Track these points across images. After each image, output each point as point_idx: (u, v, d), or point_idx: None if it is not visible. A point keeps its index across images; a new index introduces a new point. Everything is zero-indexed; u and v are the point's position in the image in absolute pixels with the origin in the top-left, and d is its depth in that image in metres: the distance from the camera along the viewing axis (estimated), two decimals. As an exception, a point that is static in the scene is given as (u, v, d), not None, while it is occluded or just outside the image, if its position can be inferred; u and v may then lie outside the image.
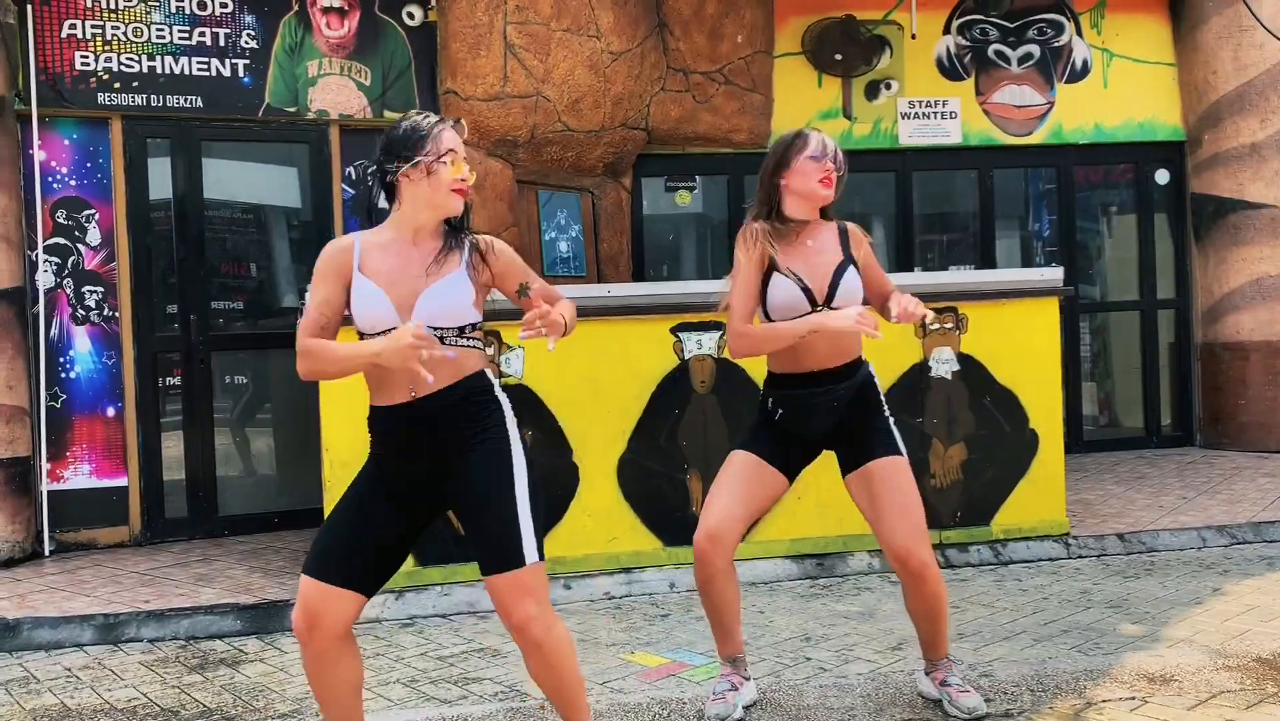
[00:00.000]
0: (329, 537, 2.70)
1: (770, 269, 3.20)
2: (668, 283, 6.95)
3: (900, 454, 3.22)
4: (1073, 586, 4.78)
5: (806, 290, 3.16)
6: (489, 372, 2.76)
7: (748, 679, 3.39)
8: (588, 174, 7.29)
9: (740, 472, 3.23)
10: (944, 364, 5.32)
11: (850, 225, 3.36)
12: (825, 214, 3.33)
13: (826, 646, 4.04)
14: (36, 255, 6.03)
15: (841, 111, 8.01)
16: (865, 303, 3.25)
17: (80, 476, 6.14)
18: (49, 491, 6.04)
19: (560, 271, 7.15)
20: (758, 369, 3.78)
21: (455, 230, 2.79)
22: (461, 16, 6.52)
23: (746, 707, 3.33)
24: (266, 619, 4.64)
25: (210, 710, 3.64)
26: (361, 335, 2.69)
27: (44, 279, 6.05)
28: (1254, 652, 3.73)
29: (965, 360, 5.32)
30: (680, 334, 5.05)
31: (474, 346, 2.72)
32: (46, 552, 5.98)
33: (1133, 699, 3.34)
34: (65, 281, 6.12)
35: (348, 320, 2.74)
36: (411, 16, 6.71)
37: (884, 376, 5.17)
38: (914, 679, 3.53)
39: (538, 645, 2.61)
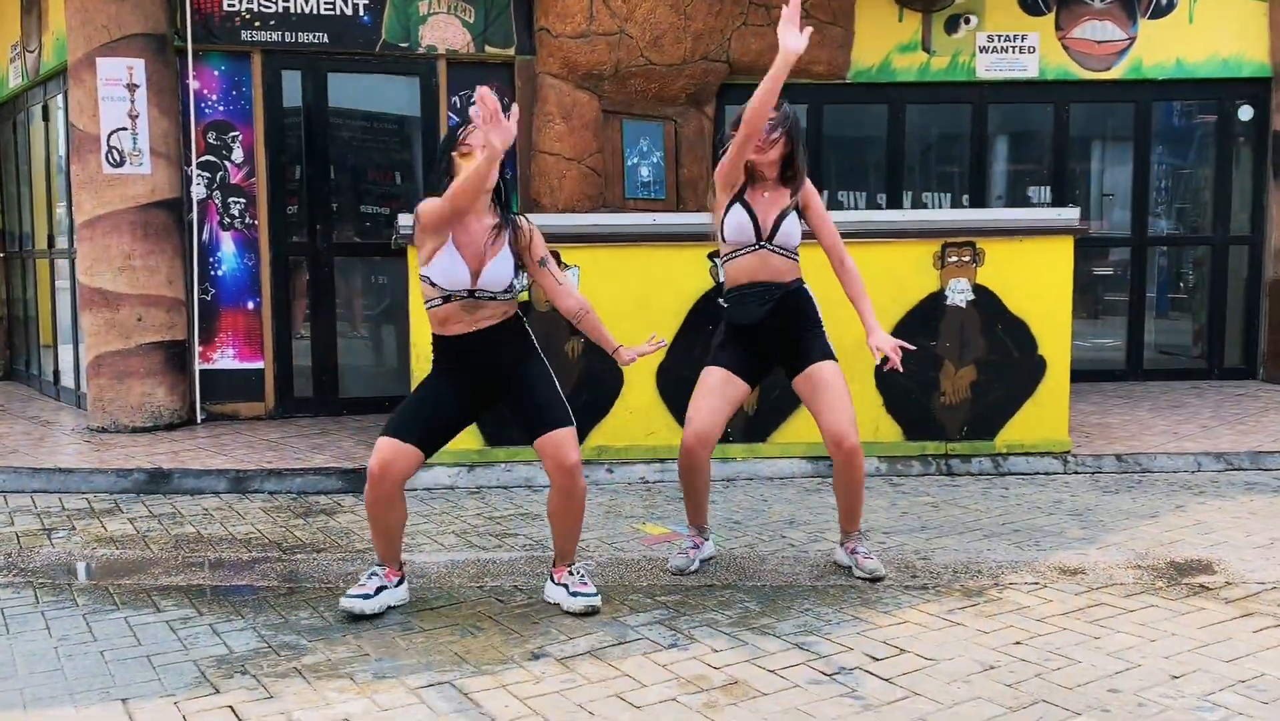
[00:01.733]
0: (405, 412, 3.67)
1: (734, 199, 3.94)
2: (705, 214, 7.60)
3: (834, 359, 3.98)
4: (1051, 497, 5.37)
5: (755, 222, 3.90)
6: (521, 314, 3.76)
7: (707, 539, 4.23)
8: (670, 103, 7.94)
9: (715, 385, 4.00)
10: (960, 293, 5.87)
11: (806, 182, 4.02)
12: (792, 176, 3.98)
13: (803, 529, 4.80)
14: (191, 170, 7.13)
15: (920, 44, 8.37)
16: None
17: (226, 359, 7.33)
18: (201, 370, 7.24)
19: (640, 195, 7.88)
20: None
21: (504, 210, 3.68)
22: (553, -40, 7.21)
23: (704, 560, 4.18)
24: (361, 480, 5.68)
25: (305, 544, 4.67)
26: (433, 285, 3.59)
27: (197, 191, 7.16)
28: (1170, 557, 4.31)
29: (980, 290, 5.86)
30: (716, 259, 5.75)
31: (512, 299, 3.68)
32: (199, 421, 7.22)
33: (1036, 584, 4.00)
34: (214, 193, 7.22)
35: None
36: (511, -41, 7.43)
37: (901, 302, 5.85)
38: (831, 554, 4.28)
39: (577, 483, 3.62)
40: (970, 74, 8.39)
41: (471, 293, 3.58)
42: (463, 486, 5.67)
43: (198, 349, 7.23)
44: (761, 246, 3.93)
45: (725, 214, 3.95)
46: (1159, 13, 8.35)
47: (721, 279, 4.17)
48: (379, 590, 3.71)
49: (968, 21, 8.31)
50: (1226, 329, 8.72)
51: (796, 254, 4.01)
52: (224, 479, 5.70)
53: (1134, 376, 8.64)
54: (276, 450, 6.27)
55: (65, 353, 8.32)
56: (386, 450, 3.58)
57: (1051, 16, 8.33)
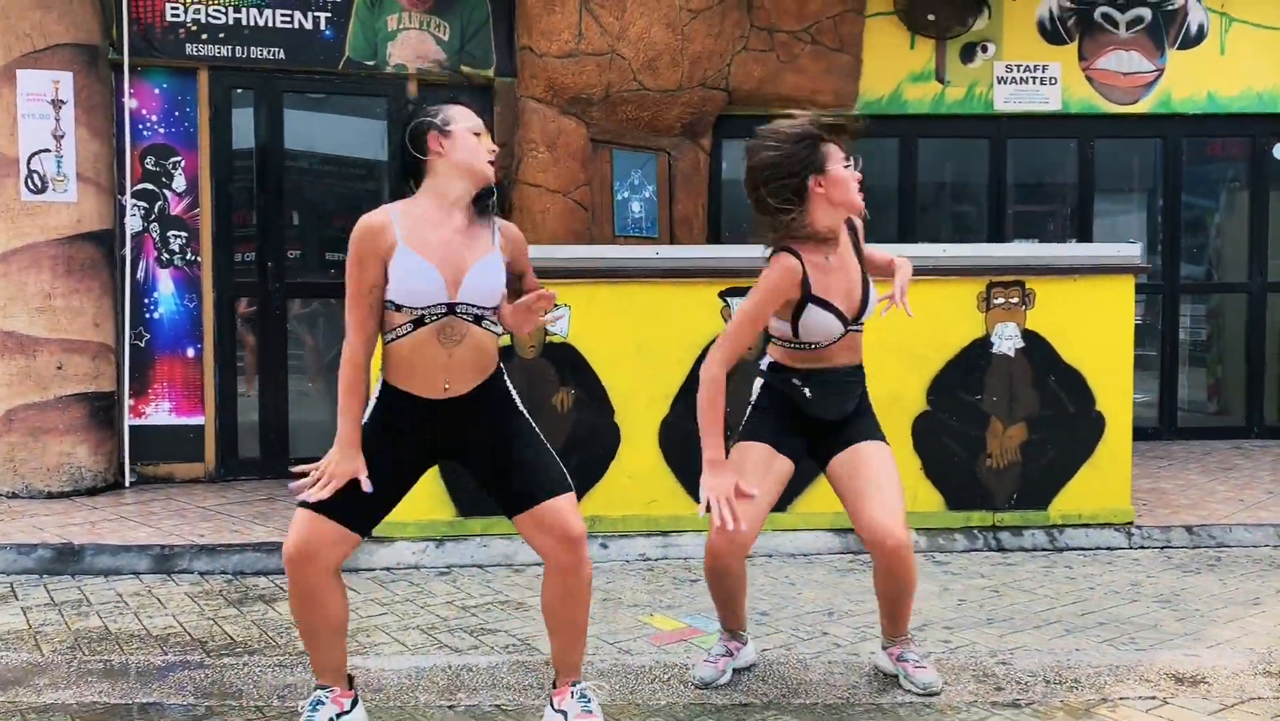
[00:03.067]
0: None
1: (803, 300, 3.10)
2: (716, 246, 6.87)
3: (886, 442, 3.21)
4: (1125, 578, 4.58)
5: (840, 315, 3.13)
6: (502, 369, 2.90)
7: (745, 642, 3.38)
8: (664, 134, 7.22)
9: (756, 466, 3.14)
10: (1007, 340, 5.12)
11: (857, 222, 3.26)
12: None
13: (847, 622, 3.97)
14: (125, 200, 6.29)
15: (934, 74, 7.72)
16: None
17: (161, 413, 6.43)
18: (131, 426, 6.34)
19: (632, 232, 7.12)
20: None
21: (483, 210, 2.83)
22: (538, -29, 6.50)
23: (739, 671, 3.33)
24: (310, 559, 4.79)
25: (236, 643, 3.78)
26: (398, 308, 2.73)
27: (132, 222, 6.31)
28: (1301, 660, 3.52)
29: (1030, 337, 5.11)
30: (729, 299, 4.98)
31: (496, 330, 2.83)
32: (127, 484, 6.29)
33: (1153, 698, 3.19)
34: (152, 225, 6.37)
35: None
36: (491, -29, 6.72)
37: (943, 350, 5.09)
38: (873, 657, 3.46)
39: (583, 560, 2.80)
40: (988, 106, 7.75)
41: (451, 308, 2.71)
42: (429, 565, 4.80)
43: (128, 402, 6.33)
44: (849, 331, 3.17)
45: (798, 318, 3.11)
46: (1188, 43, 7.77)
47: (765, 359, 3.30)
48: (331, 724, 2.82)
49: (985, 50, 7.68)
50: (1265, 384, 8.03)
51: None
52: (146, 556, 4.79)
53: (1168, 435, 7.91)
54: (212, 520, 5.36)
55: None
56: (306, 529, 2.70)
57: (1074, 46, 7.72)
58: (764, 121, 8.15)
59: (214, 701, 3.20)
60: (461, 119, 2.81)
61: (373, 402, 2.84)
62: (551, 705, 2.91)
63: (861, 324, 3.20)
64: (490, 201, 2.83)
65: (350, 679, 2.95)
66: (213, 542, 4.88)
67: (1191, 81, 7.79)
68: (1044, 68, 7.73)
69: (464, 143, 2.77)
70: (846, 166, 3.08)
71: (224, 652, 3.67)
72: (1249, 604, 4.19)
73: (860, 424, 3.22)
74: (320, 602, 2.76)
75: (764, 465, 3.15)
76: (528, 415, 2.91)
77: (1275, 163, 8.00)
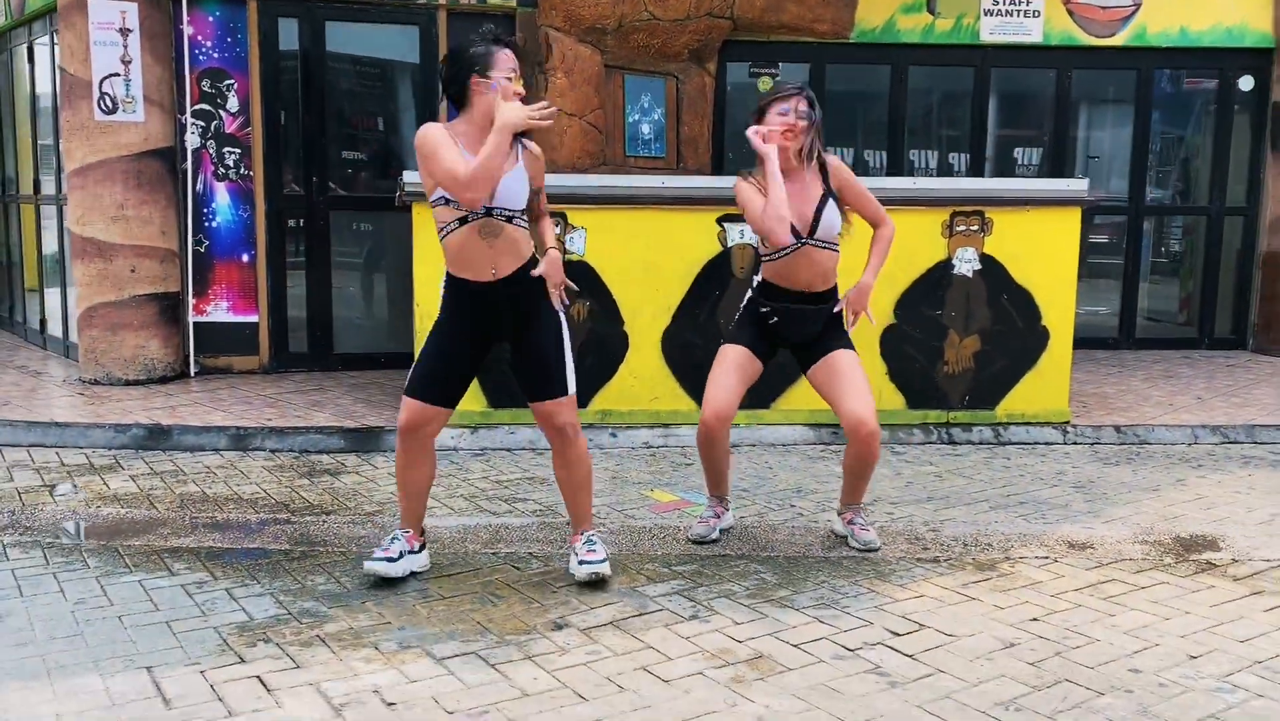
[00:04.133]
0: (424, 369, 3.60)
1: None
2: (714, 177, 7.55)
3: (852, 348, 3.99)
4: (1053, 468, 5.42)
5: (792, 226, 3.84)
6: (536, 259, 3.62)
7: (727, 509, 4.24)
8: (673, 59, 7.83)
9: (735, 362, 3.99)
10: (966, 262, 5.86)
11: (831, 159, 3.97)
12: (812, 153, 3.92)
13: (811, 498, 4.82)
14: (185, 119, 6.98)
15: (925, 6, 8.27)
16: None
17: (220, 311, 7.23)
18: (195, 323, 7.15)
19: (641, 153, 7.79)
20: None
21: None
22: (558, -89, 7.05)
23: (723, 530, 4.19)
24: (364, 440, 5.65)
25: (313, 505, 4.65)
26: (448, 203, 3.46)
27: (191, 140, 7.01)
28: (1175, 532, 4.36)
29: (987, 260, 5.85)
30: (725, 224, 5.71)
31: (526, 228, 3.60)
32: (192, 374, 7.14)
33: (1046, 558, 4.04)
34: (209, 143, 7.07)
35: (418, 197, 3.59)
36: (515, -92, 7.25)
37: (909, 271, 5.84)
38: (828, 522, 4.33)
39: (572, 442, 3.65)
40: (974, 37, 8.32)
41: (489, 210, 3.44)
42: (466, 448, 5.65)
43: (191, 301, 7.13)
44: (804, 244, 3.88)
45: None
46: (1165, -21, 8.29)
47: (757, 276, 4.08)
48: (402, 555, 3.69)
49: (973, -17, 8.21)
50: (1218, 299, 8.78)
51: (837, 245, 3.97)
52: (224, 436, 5.64)
53: (1126, 345, 8.70)
54: (275, 406, 6.21)
55: (52, 300, 8.18)
56: (416, 412, 3.58)
57: (1058, -20, 8.26)
58: (765, 48, 8.78)
59: (305, 547, 4.07)
60: (499, 66, 3.43)
61: (442, 294, 3.64)
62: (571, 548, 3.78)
63: (819, 241, 3.86)
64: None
65: (423, 531, 3.81)
66: (280, 425, 5.73)
67: (1166, 16, 8.34)
68: (1028, 1, 8.27)
69: (501, 87, 3.41)
70: (781, 112, 3.82)
71: (305, 512, 4.54)
72: (1149, 490, 5.03)
73: (832, 337, 3.99)
74: (420, 464, 3.65)
75: (739, 362, 4.00)
76: (556, 313, 3.63)
77: (1240, 94, 8.60)
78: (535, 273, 3.56)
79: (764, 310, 4.00)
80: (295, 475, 5.14)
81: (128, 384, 6.81)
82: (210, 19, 7.00)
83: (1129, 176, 8.67)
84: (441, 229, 3.54)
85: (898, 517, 4.53)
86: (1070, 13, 8.30)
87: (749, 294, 4.11)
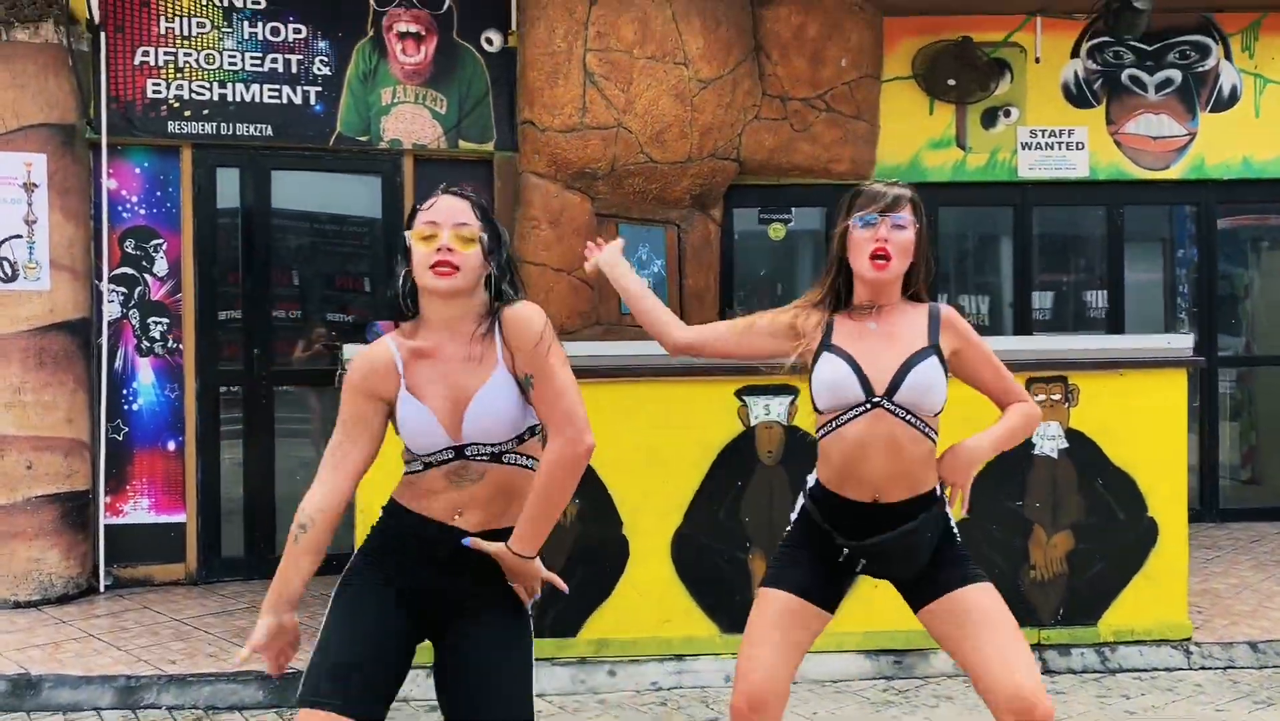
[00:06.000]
0: (338, 656, 2.28)
1: (822, 346, 2.72)
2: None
3: (985, 580, 2.66)
4: (1186, 711, 4.12)
5: (860, 373, 2.64)
6: None
7: None
8: (673, 206, 6.86)
9: (778, 618, 2.67)
10: (1050, 440, 4.71)
11: (946, 308, 2.79)
12: (915, 294, 2.79)
13: (887, 781, 3.53)
14: (103, 285, 5.93)
15: (955, 140, 7.38)
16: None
17: (140, 511, 6.03)
18: (107, 525, 5.93)
19: (639, 310, 6.74)
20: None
21: (495, 306, 2.38)
22: (539, 43, 6.18)
23: None
24: (289, 690, 4.36)
25: (196, 812, 3.35)
26: (413, 455, 2.34)
27: (109, 309, 5.95)
28: None
29: (1075, 437, 4.70)
30: (746, 397, 4.59)
31: (527, 466, 2.34)
32: (102, 588, 5.88)
33: None
34: (131, 312, 6.01)
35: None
36: (490, 42, 6.40)
37: (978, 453, 4.62)
38: None
39: None
40: (1011, 173, 7.39)
41: (460, 451, 2.31)
42: (419, 699, 4.35)
43: (104, 500, 5.93)
44: (877, 403, 2.64)
45: (814, 367, 2.73)
46: (1221, 106, 7.42)
47: (812, 476, 2.82)
48: None
49: (1007, 115, 7.34)
50: (1311, 461, 7.61)
51: (933, 428, 2.69)
52: (110, 689, 4.37)
53: (1209, 517, 7.46)
54: (187, 640, 4.94)
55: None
56: None
57: (1101, 109, 7.38)
58: (776, 191, 7.82)
59: None
60: (415, 225, 2.36)
61: (371, 534, 2.43)
62: None
63: (901, 407, 2.63)
64: (495, 307, 2.36)
65: None
66: (184, 672, 4.46)
67: (1225, 146, 7.43)
68: (1070, 132, 7.38)
69: (415, 257, 2.33)
70: (867, 222, 2.70)
71: (182, 826, 3.24)
72: (1336, 749, 3.74)
73: (953, 566, 2.68)
74: None
75: (786, 620, 2.67)
76: (527, 613, 2.40)
77: (1315, 229, 7.64)
78: (473, 544, 2.30)
79: (825, 530, 2.72)
80: (188, 751, 3.85)
81: (18, 606, 5.54)
82: (137, 170, 6.03)
83: (1198, 324, 7.61)
84: (406, 463, 2.39)
85: (1014, 818, 3.22)
86: (1118, 144, 7.39)
87: (800, 501, 2.86)
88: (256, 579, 6.06)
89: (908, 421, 2.63)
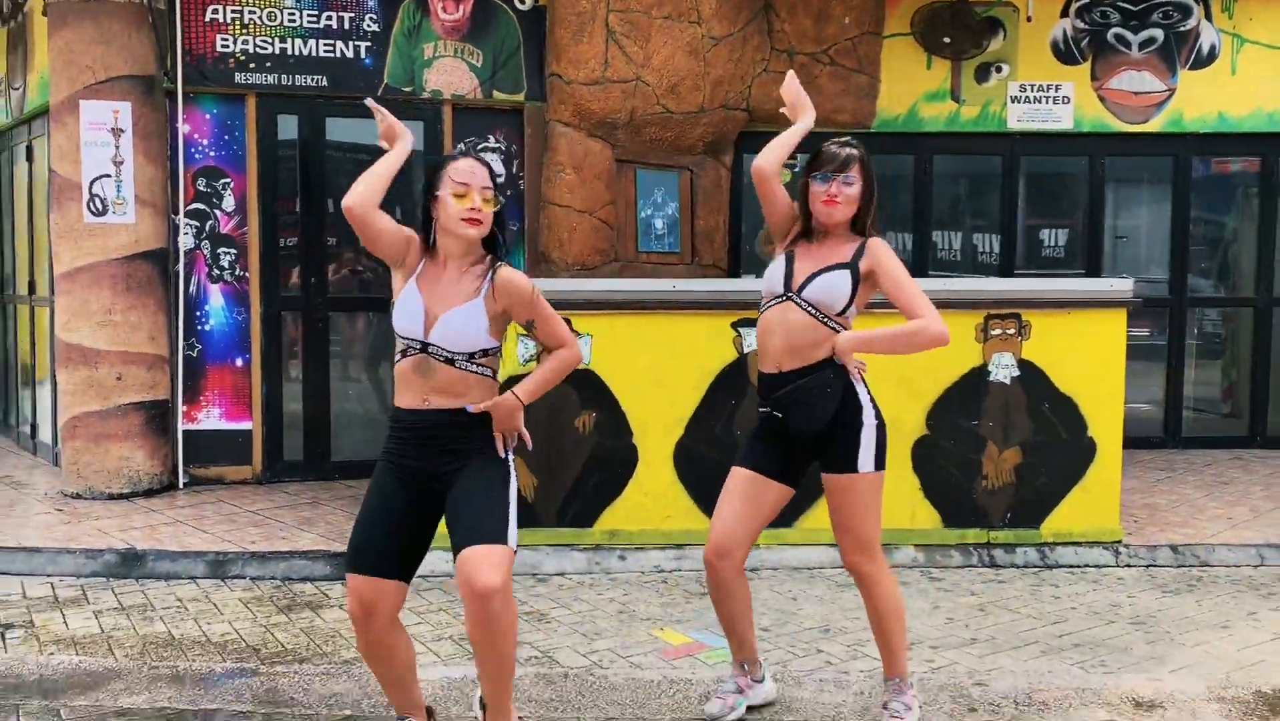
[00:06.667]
0: (364, 534, 3.03)
1: (782, 253, 3.45)
2: (729, 279, 7.19)
3: (853, 470, 3.33)
4: (1107, 598, 4.90)
5: (789, 274, 3.35)
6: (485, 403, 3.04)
7: (760, 680, 3.60)
8: (687, 153, 7.53)
9: (742, 488, 3.46)
10: (1004, 369, 5.42)
11: (874, 239, 3.41)
12: (862, 229, 3.43)
13: (841, 639, 4.33)
14: (179, 219, 6.70)
15: (950, 93, 7.98)
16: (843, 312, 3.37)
17: (212, 418, 6.87)
18: (184, 431, 6.78)
19: (654, 248, 7.45)
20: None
21: (492, 256, 3.11)
22: (566, 3, 6.82)
23: (754, 707, 3.57)
24: (352, 567, 5.20)
25: (287, 650, 4.20)
26: (399, 344, 3.07)
27: (185, 241, 6.73)
28: (1256, 685, 3.84)
29: (1026, 366, 5.42)
30: (740, 329, 5.32)
31: (480, 373, 3.03)
32: (181, 485, 6.75)
33: (1110, 721, 3.53)
34: (203, 243, 6.79)
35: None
36: (522, 1, 7.04)
37: (941, 378, 5.39)
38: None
39: (495, 615, 2.84)
40: (1001, 124, 8.00)
41: (424, 346, 2.99)
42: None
43: (181, 409, 6.78)
44: (785, 297, 3.35)
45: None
46: (1200, 64, 7.96)
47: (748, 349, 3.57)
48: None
49: (999, 70, 7.93)
50: (1270, 396, 8.27)
51: (831, 320, 3.32)
52: (202, 562, 5.23)
53: (1172, 444, 8.18)
54: (261, 526, 5.80)
55: (44, 405, 7.86)
56: (357, 589, 2.99)
57: (1087, 66, 7.94)
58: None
59: (269, 708, 3.62)
60: (446, 182, 3.04)
61: (386, 436, 3.15)
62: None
63: (804, 300, 3.31)
64: (491, 254, 3.09)
65: (430, 711, 3.25)
66: (263, 550, 5.31)
67: (1203, 101, 7.99)
68: (1057, 87, 7.96)
69: (444, 207, 3.04)
70: (821, 178, 3.33)
71: (276, 660, 4.08)
72: (1218, 627, 4.50)
73: (834, 451, 3.34)
74: (388, 649, 3.04)
75: (745, 490, 3.44)
76: (502, 459, 3.03)
77: (1284, 180, 8.20)
78: (475, 409, 3.01)
79: (763, 409, 3.47)
80: (273, 609, 4.70)
81: (111, 498, 6.42)
82: (207, 116, 6.76)
83: (1169, 267, 8.25)
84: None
85: (939, 667, 4.03)
86: (1101, 98, 7.97)
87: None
88: (314, 480, 6.92)
89: (809, 312, 3.33)
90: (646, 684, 3.83)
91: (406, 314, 3.03)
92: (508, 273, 3.08)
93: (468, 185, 3.02)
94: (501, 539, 2.91)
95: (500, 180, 3.14)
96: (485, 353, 3.04)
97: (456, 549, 2.91)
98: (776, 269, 3.43)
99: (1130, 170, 8.44)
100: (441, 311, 3.00)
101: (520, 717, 3.21)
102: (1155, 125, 8.02)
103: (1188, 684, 3.85)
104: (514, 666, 3.04)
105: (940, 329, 3.28)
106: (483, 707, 3.13)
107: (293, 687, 3.80)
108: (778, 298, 3.40)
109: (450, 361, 3.00)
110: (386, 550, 3.01)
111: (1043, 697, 3.72)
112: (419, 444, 3.05)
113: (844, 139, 3.48)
